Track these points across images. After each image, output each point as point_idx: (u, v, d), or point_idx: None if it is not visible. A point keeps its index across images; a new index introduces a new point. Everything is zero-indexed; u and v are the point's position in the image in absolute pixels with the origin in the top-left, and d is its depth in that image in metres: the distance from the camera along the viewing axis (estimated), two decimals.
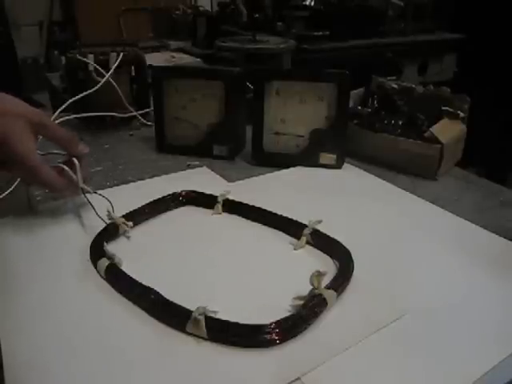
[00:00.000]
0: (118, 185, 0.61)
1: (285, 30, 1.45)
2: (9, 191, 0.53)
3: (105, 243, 0.46)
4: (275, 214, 0.53)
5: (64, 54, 0.83)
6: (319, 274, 0.40)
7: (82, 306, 0.40)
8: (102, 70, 0.77)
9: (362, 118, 0.72)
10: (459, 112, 0.68)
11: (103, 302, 0.41)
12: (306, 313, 0.38)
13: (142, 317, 0.39)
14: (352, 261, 0.45)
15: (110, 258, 0.45)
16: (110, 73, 0.77)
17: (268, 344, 0.36)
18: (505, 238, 0.51)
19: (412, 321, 0.39)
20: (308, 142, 0.68)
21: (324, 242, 0.49)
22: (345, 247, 0.47)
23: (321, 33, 1.44)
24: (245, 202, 0.56)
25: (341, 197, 0.51)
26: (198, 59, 1.15)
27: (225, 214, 0.55)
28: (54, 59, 1.24)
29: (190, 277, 0.45)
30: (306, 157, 0.68)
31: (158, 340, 0.37)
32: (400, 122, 0.70)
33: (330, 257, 0.47)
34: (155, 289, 0.40)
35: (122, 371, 0.34)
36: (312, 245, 0.49)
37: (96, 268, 0.44)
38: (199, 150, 0.72)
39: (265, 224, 0.53)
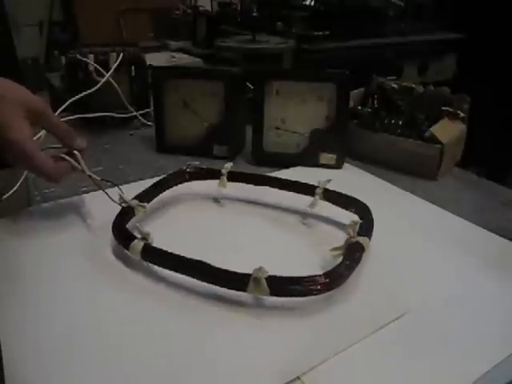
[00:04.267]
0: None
1: (285, 30, 1.45)
2: (10, 192, 0.53)
3: (137, 224, 0.47)
4: (281, 179, 0.56)
5: (64, 53, 0.83)
6: (354, 223, 0.44)
7: (85, 305, 0.40)
8: (102, 70, 0.77)
9: (362, 118, 0.72)
10: (459, 112, 0.68)
11: (106, 300, 0.41)
12: (351, 259, 0.42)
13: (144, 317, 0.39)
14: (370, 210, 0.49)
15: (144, 238, 0.45)
16: (109, 73, 0.77)
17: (322, 291, 0.39)
18: (505, 237, 0.51)
19: (412, 320, 0.39)
20: (308, 142, 0.68)
21: (338, 198, 0.52)
22: (360, 200, 0.51)
23: (321, 33, 1.44)
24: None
25: None
26: (198, 59, 1.15)
27: (234, 186, 0.57)
28: (54, 59, 1.24)
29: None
30: (306, 157, 0.68)
31: (157, 340, 0.37)
32: (400, 122, 0.70)
33: (349, 210, 0.51)
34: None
35: (125, 372, 0.34)
36: (328, 201, 0.52)
37: (128, 251, 0.44)
38: (199, 150, 0.72)
39: (274, 187, 0.56)
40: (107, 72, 0.77)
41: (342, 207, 0.52)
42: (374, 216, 0.49)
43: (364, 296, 0.42)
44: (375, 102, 0.75)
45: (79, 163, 0.51)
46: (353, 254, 0.43)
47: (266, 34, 1.21)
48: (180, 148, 0.73)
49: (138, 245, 0.44)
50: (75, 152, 0.51)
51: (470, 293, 0.43)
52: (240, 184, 0.58)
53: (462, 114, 0.69)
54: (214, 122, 0.70)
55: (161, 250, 0.44)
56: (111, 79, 0.78)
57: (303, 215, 0.54)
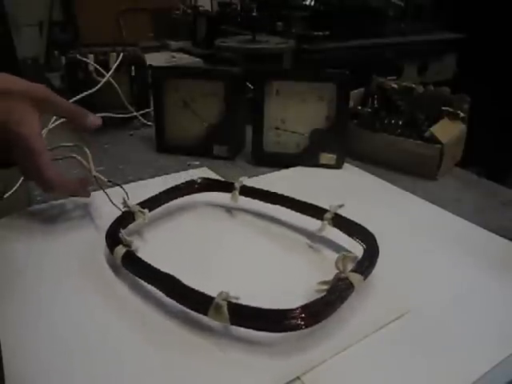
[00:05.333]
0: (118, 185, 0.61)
1: (285, 30, 1.45)
2: (10, 192, 0.53)
3: (121, 230, 0.46)
4: (294, 199, 0.53)
5: (64, 54, 0.83)
6: (345, 257, 0.40)
7: (84, 305, 0.40)
8: (102, 70, 0.77)
9: (362, 118, 0.72)
10: (459, 112, 0.68)
11: (107, 302, 0.41)
12: (333, 297, 0.38)
13: (144, 319, 0.39)
14: (377, 244, 0.44)
15: (127, 245, 0.44)
16: (110, 73, 0.77)
17: (294, 329, 0.35)
18: (505, 237, 0.51)
19: (412, 320, 0.39)
20: (308, 142, 0.68)
21: (347, 226, 0.48)
22: (369, 231, 0.46)
23: (321, 33, 1.44)
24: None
25: (341, 197, 0.52)
26: (198, 59, 1.15)
27: (243, 199, 0.55)
28: (54, 59, 1.24)
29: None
30: (306, 157, 0.68)
31: (157, 342, 0.37)
32: (400, 122, 0.70)
33: (354, 240, 0.47)
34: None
35: (124, 370, 0.34)
36: (336, 227, 0.49)
37: (113, 255, 0.44)
38: (199, 150, 0.72)
39: (284, 207, 0.53)
40: (107, 72, 0.77)
41: (349, 235, 0.48)
42: (373, 216, 0.49)
43: (364, 296, 0.42)
44: (375, 101, 0.75)
45: (88, 162, 0.51)
46: (338, 291, 0.38)
47: (266, 34, 1.21)
48: (180, 148, 0.73)
49: (120, 251, 0.43)
50: (85, 150, 0.52)
51: (470, 293, 0.43)
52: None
53: (462, 114, 0.69)
54: (214, 122, 0.70)
55: (138, 258, 0.43)
56: (111, 79, 0.78)
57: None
